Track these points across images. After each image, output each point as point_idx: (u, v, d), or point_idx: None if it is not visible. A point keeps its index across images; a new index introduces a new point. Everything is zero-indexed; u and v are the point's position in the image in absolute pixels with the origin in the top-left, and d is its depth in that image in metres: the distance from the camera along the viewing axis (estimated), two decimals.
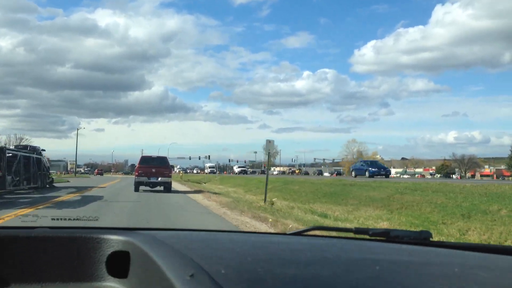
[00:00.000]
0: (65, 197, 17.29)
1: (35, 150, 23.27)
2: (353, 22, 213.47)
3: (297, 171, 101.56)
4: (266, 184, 18.16)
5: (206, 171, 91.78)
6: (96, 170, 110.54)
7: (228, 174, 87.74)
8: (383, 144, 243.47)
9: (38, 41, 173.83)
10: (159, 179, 22.80)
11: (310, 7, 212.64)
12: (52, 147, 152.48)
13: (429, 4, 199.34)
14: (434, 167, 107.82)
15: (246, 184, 34.13)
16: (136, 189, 22.58)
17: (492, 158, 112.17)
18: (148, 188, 23.19)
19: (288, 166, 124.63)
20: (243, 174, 76.46)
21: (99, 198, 16.77)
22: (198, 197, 19.63)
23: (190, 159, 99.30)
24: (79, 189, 23.35)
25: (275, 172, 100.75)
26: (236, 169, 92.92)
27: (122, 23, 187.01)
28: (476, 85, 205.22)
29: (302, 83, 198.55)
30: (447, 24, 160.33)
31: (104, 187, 26.98)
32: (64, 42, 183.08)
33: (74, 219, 2.34)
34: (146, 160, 24.37)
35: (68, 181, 39.34)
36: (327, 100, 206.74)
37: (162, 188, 23.14)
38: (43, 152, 25.01)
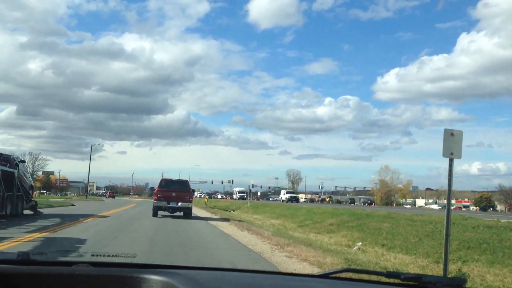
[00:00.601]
0: (11, 243, 9.81)
1: (7, 161, 16.29)
2: (377, 49, 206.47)
3: (327, 199, 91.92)
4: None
5: (235, 196, 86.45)
6: (108, 193, 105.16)
7: (253, 200, 79.96)
8: (405, 173, 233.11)
9: (66, 64, 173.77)
10: (179, 204, 20.93)
11: (334, 33, 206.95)
12: (76, 168, 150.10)
13: (454, 32, 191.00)
14: (466, 199, 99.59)
15: (293, 215, 27.28)
16: (155, 214, 21.04)
17: None
18: (166, 213, 21.40)
19: (311, 193, 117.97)
20: (256, 200, 71.32)
21: (77, 243, 9.61)
22: (243, 236, 12.70)
23: (212, 183, 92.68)
24: (69, 219, 16.59)
25: (302, 200, 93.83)
26: (236, 194, 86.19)
27: (148, 47, 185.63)
28: (501, 116, 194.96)
29: (324, 109, 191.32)
30: (472, 53, 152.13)
31: (106, 216, 20.33)
32: (91, 65, 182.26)
33: (113, 256, 2.52)
34: (166, 183, 22.33)
35: (73, 205, 34.82)
36: (348, 127, 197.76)
37: (182, 213, 21.58)
38: (22, 164, 18.14)
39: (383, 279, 1.48)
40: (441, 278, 1.51)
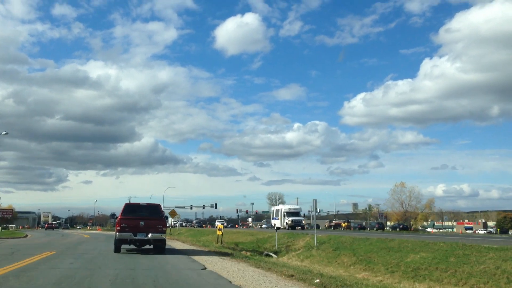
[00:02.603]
0: None
1: None
2: (343, 74, 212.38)
3: (343, 224, 76.83)
4: None
5: (266, 224, 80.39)
6: (46, 224, 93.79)
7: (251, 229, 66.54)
8: (372, 196, 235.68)
9: (27, 92, 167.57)
10: (150, 235, 16.99)
11: (301, 59, 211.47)
12: (38, 200, 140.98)
13: (417, 58, 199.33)
14: (466, 220, 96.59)
15: (389, 261, 17.17)
16: (117, 250, 17.34)
17: None
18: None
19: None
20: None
21: None
22: None
23: (191, 208, 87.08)
24: None
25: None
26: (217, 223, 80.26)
27: (113, 74, 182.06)
28: (463, 139, 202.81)
29: (293, 135, 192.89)
30: (435, 77, 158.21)
31: None
32: (54, 93, 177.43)
33: None
34: (132, 209, 17.91)
35: None
36: (317, 152, 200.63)
37: (152, 246, 18.05)
38: None
39: None
40: None
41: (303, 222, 51.81)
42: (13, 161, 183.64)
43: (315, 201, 26.10)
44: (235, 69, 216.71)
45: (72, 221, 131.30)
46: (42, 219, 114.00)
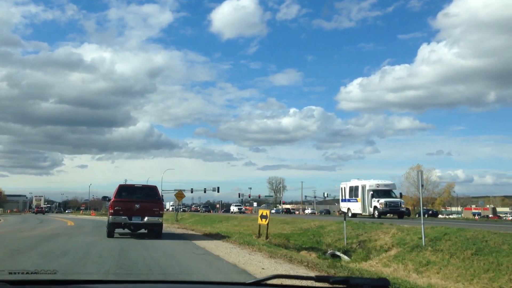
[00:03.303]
0: None
1: None
2: (340, 59, 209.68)
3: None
4: None
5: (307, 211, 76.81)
6: (35, 208, 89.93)
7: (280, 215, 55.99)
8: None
9: (21, 75, 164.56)
10: (146, 219, 15.94)
11: (298, 43, 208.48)
12: (33, 184, 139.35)
13: (415, 43, 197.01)
14: (474, 205, 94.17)
15: None
16: (110, 234, 16.20)
17: None
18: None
19: (294, 203, 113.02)
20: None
21: None
22: None
23: (192, 192, 78.92)
24: None
25: (308, 211, 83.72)
26: (234, 208, 76.77)
27: (108, 57, 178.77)
28: (459, 124, 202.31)
29: (289, 120, 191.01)
30: (432, 63, 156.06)
31: None
32: (48, 76, 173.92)
33: (32, 273, 2.75)
34: (127, 191, 16.87)
35: None
36: (313, 137, 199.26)
37: (147, 231, 16.82)
38: None
39: (313, 283, 1.37)
40: (368, 279, 1.64)
41: (403, 206, 34.15)
42: (8, 144, 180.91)
43: (420, 173, 16.11)
44: (231, 53, 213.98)
45: (66, 205, 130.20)
46: (34, 202, 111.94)
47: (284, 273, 8.02)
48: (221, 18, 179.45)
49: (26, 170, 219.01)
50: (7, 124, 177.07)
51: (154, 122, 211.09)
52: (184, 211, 70.42)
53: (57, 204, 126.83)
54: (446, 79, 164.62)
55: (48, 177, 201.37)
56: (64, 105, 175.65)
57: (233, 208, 78.01)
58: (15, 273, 3.10)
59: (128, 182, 36.58)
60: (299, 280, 2.12)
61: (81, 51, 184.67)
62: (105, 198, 19.73)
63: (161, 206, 16.69)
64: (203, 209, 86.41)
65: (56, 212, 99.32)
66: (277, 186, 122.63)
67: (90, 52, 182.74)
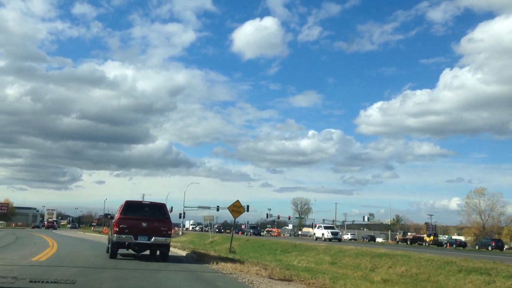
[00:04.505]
0: None
1: None
2: (361, 82, 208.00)
3: (428, 238, 56.55)
4: None
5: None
6: (46, 222, 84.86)
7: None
8: (385, 207, 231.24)
9: (44, 90, 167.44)
10: (153, 239, 14.59)
11: (319, 65, 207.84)
12: (50, 198, 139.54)
13: (437, 68, 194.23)
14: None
15: None
16: (113, 255, 14.83)
17: None
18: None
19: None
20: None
21: None
22: None
23: (218, 210, 71.00)
24: None
25: (347, 237, 69.13)
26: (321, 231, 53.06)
27: (130, 75, 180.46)
28: (481, 152, 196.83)
29: (307, 142, 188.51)
30: (455, 88, 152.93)
31: None
32: (71, 92, 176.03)
33: (51, 282, 2.91)
34: (132, 208, 15.29)
35: None
36: (331, 160, 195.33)
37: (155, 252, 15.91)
38: None
39: None
40: None
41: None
42: (28, 158, 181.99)
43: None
44: (251, 73, 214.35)
45: (80, 220, 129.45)
46: (46, 216, 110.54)
47: None
48: (243, 38, 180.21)
49: (45, 184, 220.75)
50: (29, 138, 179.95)
51: (173, 140, 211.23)
52: (206, 231, 49.34)
53: (71, 219, 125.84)
54: (469, 105, 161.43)
55: (66, 192, 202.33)
56: (85, 121, 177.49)
57: (320, 232, 53.53)
58: (35, 282, 3.22)
59: (146, 199, 33.85)
60: None
61: (104, 68, 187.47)
62: (107, 216, 18.32)
63: (170, 226, 15.27)
64: (250, 230, 72.57)
65: (71, 228, 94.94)
66: (302, 208, 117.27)
67: (113, 69, 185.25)
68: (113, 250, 14.77)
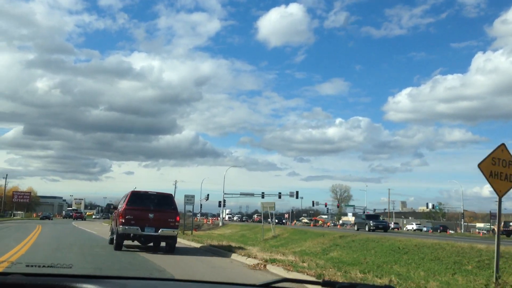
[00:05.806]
0: None
1: None
2: (389, 68, 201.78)
3: None
4: None
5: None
6: (73, 213, 77.26)
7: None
8: (414, 195, 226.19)
9: (73, 82, 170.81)
10: (160, 231, 14.27)
11: (346, 52, 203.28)
12: (81, 189, 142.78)
13: (469, 52, 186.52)
14: None
15: None
16: (118, 247, 14.46)
17: None
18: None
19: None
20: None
21: None
22: None
23: (263, 197, 65.73)
24: None
25: (411, 227, 64.28)
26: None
27: (156, 65, 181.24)
28: None
29: (334, 130, 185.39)
30: (488, 72, 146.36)
31: None
32: (98, 84, 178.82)
33: (48, 266, 2.53)
34: (139, 198, 15.11)
35: None
36: (358, 148, 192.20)
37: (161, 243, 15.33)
38: None
39: None
40: (373, 286, 1.70)
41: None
42: (60, 150, 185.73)
43: None
44: (277, 62, 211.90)
45: (110, 210, 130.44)
46: (74, 206, 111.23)
47: None
48: (268, 26, 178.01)
49: (76, 175, 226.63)
50: (59, 130, 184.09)
51: (200, 131, 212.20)
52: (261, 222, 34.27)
53: (99, 208, 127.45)
54: (502, 89, 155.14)
55: (96, 183, 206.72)
56: (113, 113, 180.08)
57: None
58: (32, 266, 3.31)
59: (178, 186, 32.78)
60: (306, 284, 2.15)
61: (130, 60, 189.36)
62: (109, 206, 17.92)
63: (177, 217, 14.88)
64: (370, 222, 42.24)
65: (104, 218, 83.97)
66: (342, 195, 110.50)
67: (139, 60, 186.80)
68: (119, 241, 14.42)
